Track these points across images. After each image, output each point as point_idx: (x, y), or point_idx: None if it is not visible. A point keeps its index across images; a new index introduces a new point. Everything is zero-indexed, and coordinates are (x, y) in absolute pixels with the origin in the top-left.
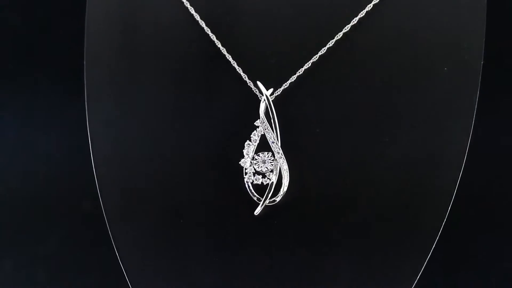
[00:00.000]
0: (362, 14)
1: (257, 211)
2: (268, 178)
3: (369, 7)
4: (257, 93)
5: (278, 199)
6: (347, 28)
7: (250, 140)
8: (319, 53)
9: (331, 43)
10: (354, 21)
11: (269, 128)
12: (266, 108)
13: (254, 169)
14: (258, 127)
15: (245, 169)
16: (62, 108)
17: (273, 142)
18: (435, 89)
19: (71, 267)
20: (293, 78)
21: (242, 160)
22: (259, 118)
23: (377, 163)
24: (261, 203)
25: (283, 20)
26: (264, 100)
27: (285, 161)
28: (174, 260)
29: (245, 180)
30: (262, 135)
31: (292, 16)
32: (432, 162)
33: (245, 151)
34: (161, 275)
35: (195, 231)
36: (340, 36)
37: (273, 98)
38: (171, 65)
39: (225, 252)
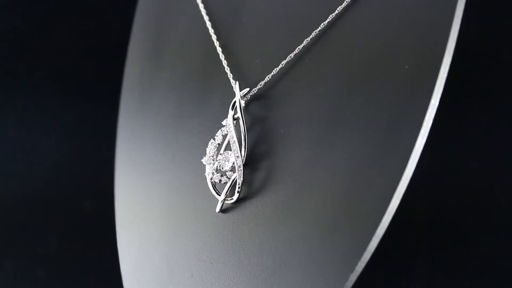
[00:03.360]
0: (338, 10)
1: (217, 208)
2: (227, 177)
3: (346, 1)
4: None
5: (234, 198)
6: (324, 24)
7: (213, 139)
8: (293, 53)
9: (306, 42)
10: (330, 17)
11: (231, 128)
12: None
13: (217, 167)
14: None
15: (207, 166)
16: (62, 108)
17: (234, 142)
18: (393, 90)
19: (71, 267)
20: (268, 78)
21: (204, 158)
22: (227, 118)
23: (330, 165)
24: (219, 201)
25: (275, 20)
26: (235, 100)
27: (241, 161)
28: (156, 255)
29: (207, 177)
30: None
31: (283, 15)
32: (377, 166)
33: (207, 149)
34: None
35: (173, 227)
36: (316, 33)
37: (248, 98)
38: (183, 65)
39: (193, 247)
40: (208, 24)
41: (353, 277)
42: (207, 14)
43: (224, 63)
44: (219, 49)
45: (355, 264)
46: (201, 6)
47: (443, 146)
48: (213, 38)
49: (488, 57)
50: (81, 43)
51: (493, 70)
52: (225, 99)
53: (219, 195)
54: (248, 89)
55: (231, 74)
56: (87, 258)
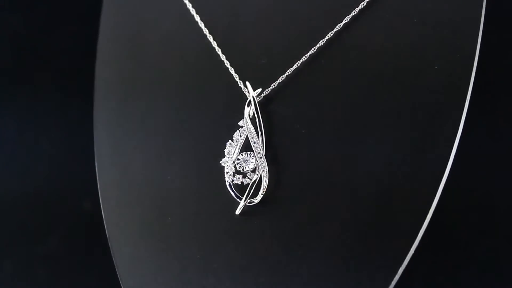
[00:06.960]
0: (354, 12)
1: (238, 210)
2: (248, 178)
3: (362, 4)
4: (247, 93)
5: (258, 199)
6: (339, 26)
7: (232, 140)
8: (309, 53)
9: (321, 42)
10: (347, 19)
11: (251, 128)
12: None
13: (236, 169)
14: (242, 127)
15: (226, 168)
16: (62, 108)
17: (254, 143)
18: (423, 91)
19: (71, 267)
20: (282, 78)
21: (223, 159)
22: (243, 118)
23: (359, 165)
24: (241, 203)
25: (278, 21)
26: (250, 100)
27: (265, 161)
28: (160, 257)
29: (226, 179)
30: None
31: (287, 16)
32: (413, 166)
33: (226, 151)
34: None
35: (180, 230)
36: (331, 35)
37: (261, 98)
38: (173, 66)
39: (207, 250)
40: (201, 24)
41: (401, 270)
42: (197, 13)
43: (227, 63)
44: (218, 49)
45: (402, 260)
46: (189, 5)
47: None
48: (209, 38)
49: (488, 57)
50: (81, 43)
51: (492, 71)
52: (227, 100)
53: (238, 197)
54: (260, 89)
55: (237, 75)
56: (87, 258)
